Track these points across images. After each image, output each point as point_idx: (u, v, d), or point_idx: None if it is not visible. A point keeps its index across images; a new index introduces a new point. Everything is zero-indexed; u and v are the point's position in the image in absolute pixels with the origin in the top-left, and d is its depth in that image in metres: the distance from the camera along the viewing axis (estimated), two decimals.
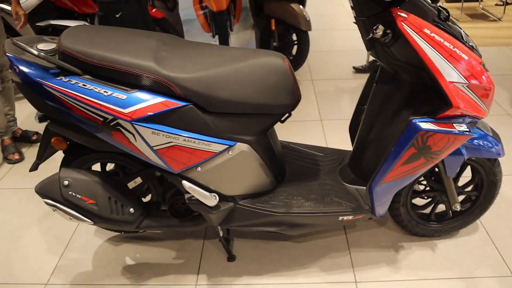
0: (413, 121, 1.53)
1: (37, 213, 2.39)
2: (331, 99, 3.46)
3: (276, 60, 1.59)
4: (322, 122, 3.14)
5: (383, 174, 1.65)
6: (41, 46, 1.57)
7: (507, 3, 5.68)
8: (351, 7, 1.56)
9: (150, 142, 1.53)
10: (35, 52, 1.46)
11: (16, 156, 2.87)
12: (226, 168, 1.64)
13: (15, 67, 1.52)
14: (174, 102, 1.51)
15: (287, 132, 3.01)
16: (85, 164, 1.89)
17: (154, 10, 3.33)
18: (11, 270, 2.05)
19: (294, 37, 3.67)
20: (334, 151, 2.12)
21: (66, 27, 1.72)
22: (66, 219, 1.74)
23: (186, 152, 1.56)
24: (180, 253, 2.10)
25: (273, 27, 3.49)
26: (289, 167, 1.96)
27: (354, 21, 1.61)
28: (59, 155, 1.87)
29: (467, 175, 2.03)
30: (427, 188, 2.04)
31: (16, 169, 2.79)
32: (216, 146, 1.58)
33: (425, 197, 2.07)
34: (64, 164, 1.88)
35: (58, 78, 1.50)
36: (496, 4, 5.92)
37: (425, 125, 1.52)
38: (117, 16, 2.45)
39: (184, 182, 1.61)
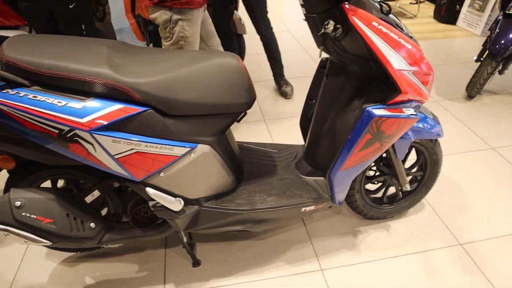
0: (367, 108, 1.61)
1: None
2: (271, 99, 3.52)
3: (231, 60, 1.60)
4: (266, 121, 3.20)
5: (341, 161, 1.72)
6: None
7: (420, 2, 6.14)
8: (301, 5, 1.61)
9: (111, 151, 1.48)
10: None
11: None
12: (189, 171, 1.63)
13: None
14: (133, 108, 1.47)
15: (234, 135, 3.03)
16: (34, 183, 1.78)
17: None
18: None
19: None
20: (286, 146, 2.17)
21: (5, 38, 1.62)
22: (20, 243, 1.63)
23: (148, 158, 1.53)
24: (142, 265, 2.04)
25: None
26: (246, 165, 1.98)
27: (304, 18, 1.67)
28: None
29: (411, 157, 2.17)
30: (377, 173, 2.15)
31: None
32: (178, 150, 1.56)
33: (375, 182, 2.18)
34: (10, 185, 1.76)
35: (5, 91, 1.40)
36: (411, 3, 6.36)
37: (378, 112, 1.61)
38: (71, 6, 2.50)
39: (148, 189, 1.57)
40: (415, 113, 1.69)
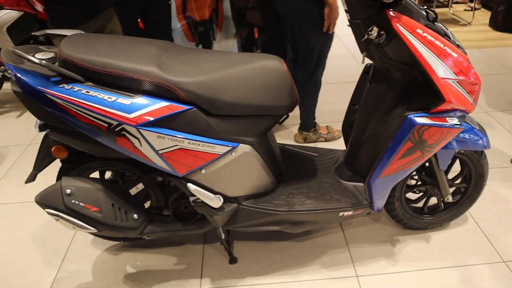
0: (409, 116, 1.60)
1: (31, 226, 2.36)
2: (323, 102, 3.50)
3: (275, 62, 1.64)
4: None
5: (381, 169, 1.72)
6: (38, 55, 1.57)
7: (476, 9, 5.94)
8: (345, 10, 1.63)
9: (156, 146, 1.55)
10: (37, 61, 1.45)
11: None
12: (229, 170, 1.67)
13: (15, 76, 1.51)
14: (178, 106, 1.53)
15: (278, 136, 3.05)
16: (84, 173, 1.88)
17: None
18: (8, 286, 2.01)
19: None
20: (327, 150, 2.18)
21: (57, 35, 1.74)
22: (69, 229, 1.72)
23: (191, 155, 1.59)
24: (181, 258, 2.11)
25: (256, 35, 3.54)
26: (286, 167, 2.01)
27: (348, 24, 1.68)
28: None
29: (455, 169, 2.12)
30: (419, 183, 2.12)
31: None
32: (220, 148, 1.61)
33: (417, 191, 2.14)
34: (62, 174, 1.87)
35: (61, 86, 1.50)
36: (465, 10, 6.16)
37: (420, 120, 1.59)
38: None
39: (190, 185, 1.63)
40: (459, 122, 1.66)
